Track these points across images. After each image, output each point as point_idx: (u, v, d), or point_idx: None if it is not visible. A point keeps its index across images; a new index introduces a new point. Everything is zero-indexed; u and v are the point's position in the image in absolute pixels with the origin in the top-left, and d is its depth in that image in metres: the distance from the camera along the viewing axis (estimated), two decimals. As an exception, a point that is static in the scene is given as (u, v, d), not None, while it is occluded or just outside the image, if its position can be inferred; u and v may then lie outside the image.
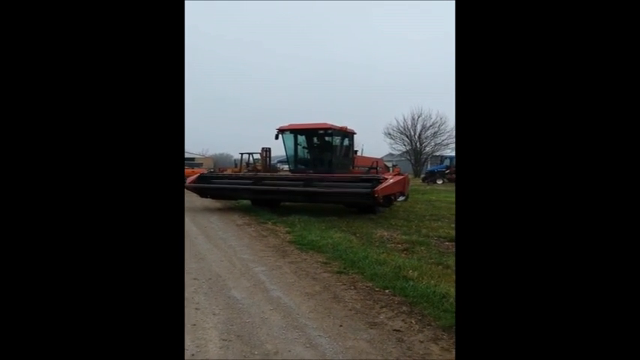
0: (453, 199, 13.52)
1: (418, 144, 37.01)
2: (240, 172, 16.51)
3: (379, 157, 17.16)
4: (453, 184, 23.59)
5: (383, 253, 5.35)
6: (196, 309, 3.36)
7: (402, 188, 9.71)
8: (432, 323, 3.11)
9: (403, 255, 5.39)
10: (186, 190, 9.79)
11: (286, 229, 7.37)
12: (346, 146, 11.78)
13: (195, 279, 4.22)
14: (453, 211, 10.25)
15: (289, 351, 2.66)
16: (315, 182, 9.41)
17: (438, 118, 36.22)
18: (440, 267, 4.73)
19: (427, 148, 37.25)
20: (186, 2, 1.53)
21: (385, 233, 7.07)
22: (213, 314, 3.28)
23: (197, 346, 2.70)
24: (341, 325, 3.08)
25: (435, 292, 3.66)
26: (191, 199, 11.37)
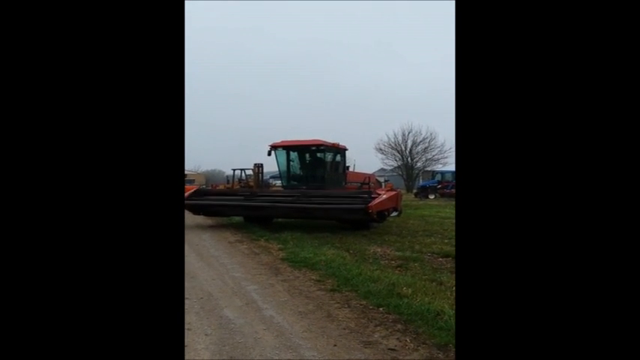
0: (445, 214, 13.57)
1: (409, 159, 37.23)
2: (232, 188, 16.43)
3: (371, 172, 17.22)
4: (445, 198, 23.74)
5: (377, 269, 5.32)
6: (188, 329, 3.30)
7: (394, 204, 9.72)
8: (427, 341, 3.08)
9: (397, 271, 5.37)
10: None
11: (279, 246, 7.30)
12: (338, 162, 11.83)
13: (186, 298, 4.15)
14: (446, 227, 10.28)
15: (283, 372, 2.61)
16: (308, 198, 9.40)
17: (428, 134, 36.61)
18: (434, 283, 4.71)
19: (418, 164, 37.48)
20: (186, 3, 1.53)
21: (379, 249, 7.04)
22: (205, 334, 3.23)
23: (188, 369, 2.64)
24: (335, 345, 3.04)
25: (429, 309, 3.63)
26: (183, 216, 11.24)
